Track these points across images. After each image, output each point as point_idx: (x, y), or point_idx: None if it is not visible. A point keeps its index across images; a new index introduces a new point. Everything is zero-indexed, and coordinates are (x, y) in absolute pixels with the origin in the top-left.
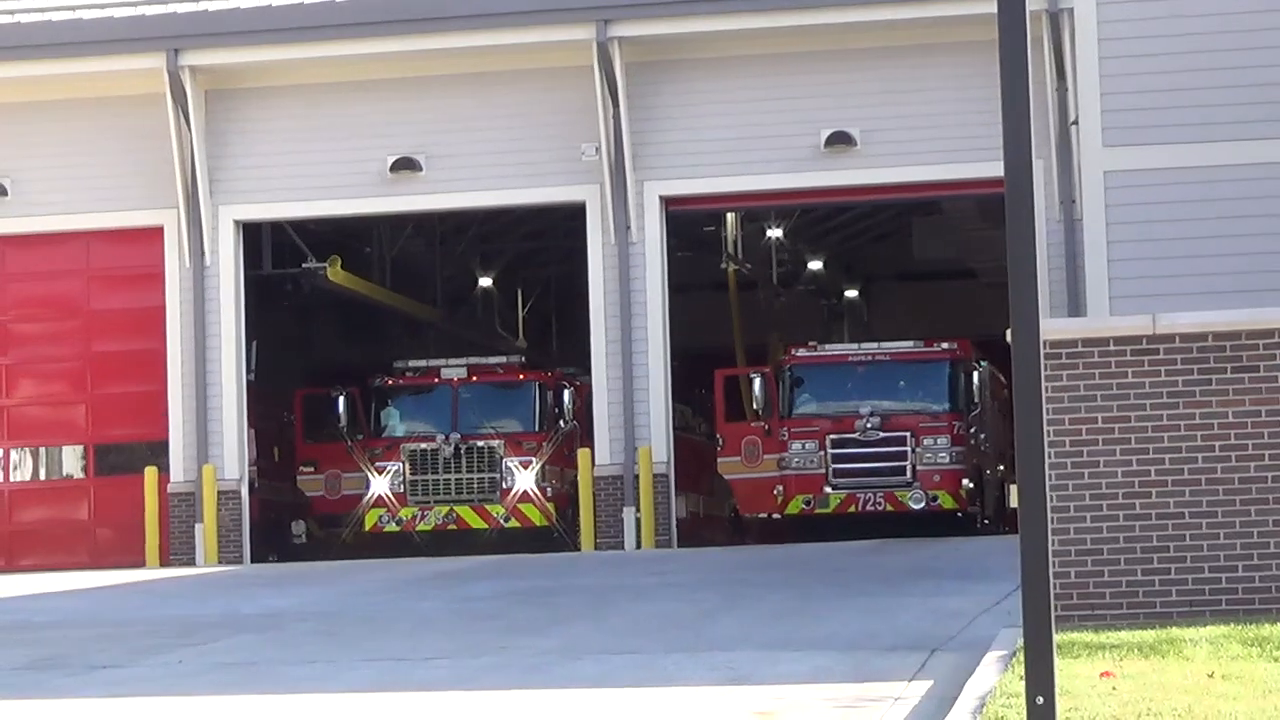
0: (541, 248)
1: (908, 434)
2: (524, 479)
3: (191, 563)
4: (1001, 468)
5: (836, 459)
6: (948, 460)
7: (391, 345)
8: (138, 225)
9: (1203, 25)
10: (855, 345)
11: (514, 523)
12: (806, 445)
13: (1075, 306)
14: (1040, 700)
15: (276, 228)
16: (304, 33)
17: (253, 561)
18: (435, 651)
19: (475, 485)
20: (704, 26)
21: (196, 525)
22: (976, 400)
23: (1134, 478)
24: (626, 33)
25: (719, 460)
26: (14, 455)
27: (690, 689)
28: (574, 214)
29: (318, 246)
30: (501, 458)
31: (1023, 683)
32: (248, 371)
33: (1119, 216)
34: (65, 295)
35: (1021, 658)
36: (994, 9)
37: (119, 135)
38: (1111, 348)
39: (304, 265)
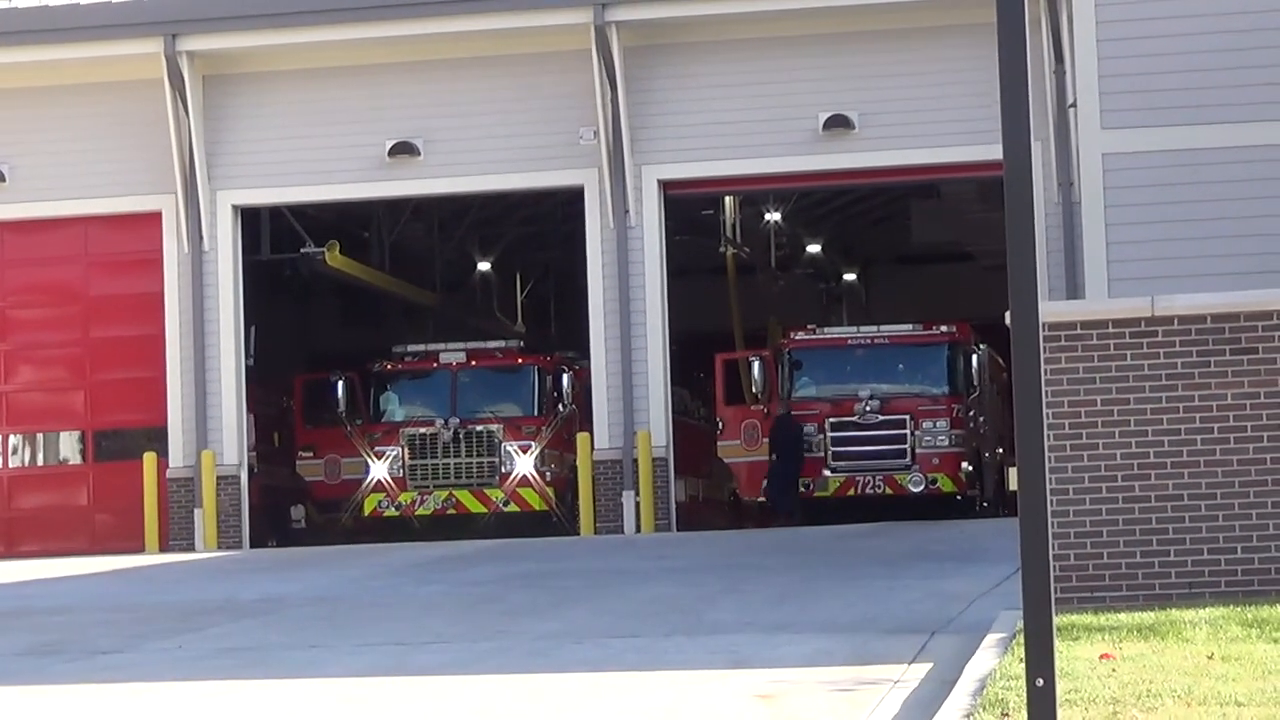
0: (540, 232)
1: (907, 417)
2: (523, 463)
3: (191, 548)
4: (1001, 450)
5: (836, 442)
6: (947, 443)
7: (390, 330)
8: (136, 211)
9: (1201, 7)
10: (854, 329)
11: (513, 507)
12: (806, 428)
13: (1074, 289)
14: (1040, 682)
15: (275, 213)
16: (301, 17)
17: (252, 546)
18: (435, 636)
19: (474, 470)
20: (701, 10)
21: (196, 510)
22: (976, 383)
23: (1133, 460)
24: (624, 16)
25: (719, 444)
26: (13, 441)
27: (690, 672)
28: (572, 198)
29: (316, 231)
30: (500, 442)
31: (1023, 665)
32: (247, 357)
33: (1117, 199)
34: (64, 281)
35: (1021, 640)
36: None
37: (117, 121)
38: (1110, 330)
39: (302, 250)
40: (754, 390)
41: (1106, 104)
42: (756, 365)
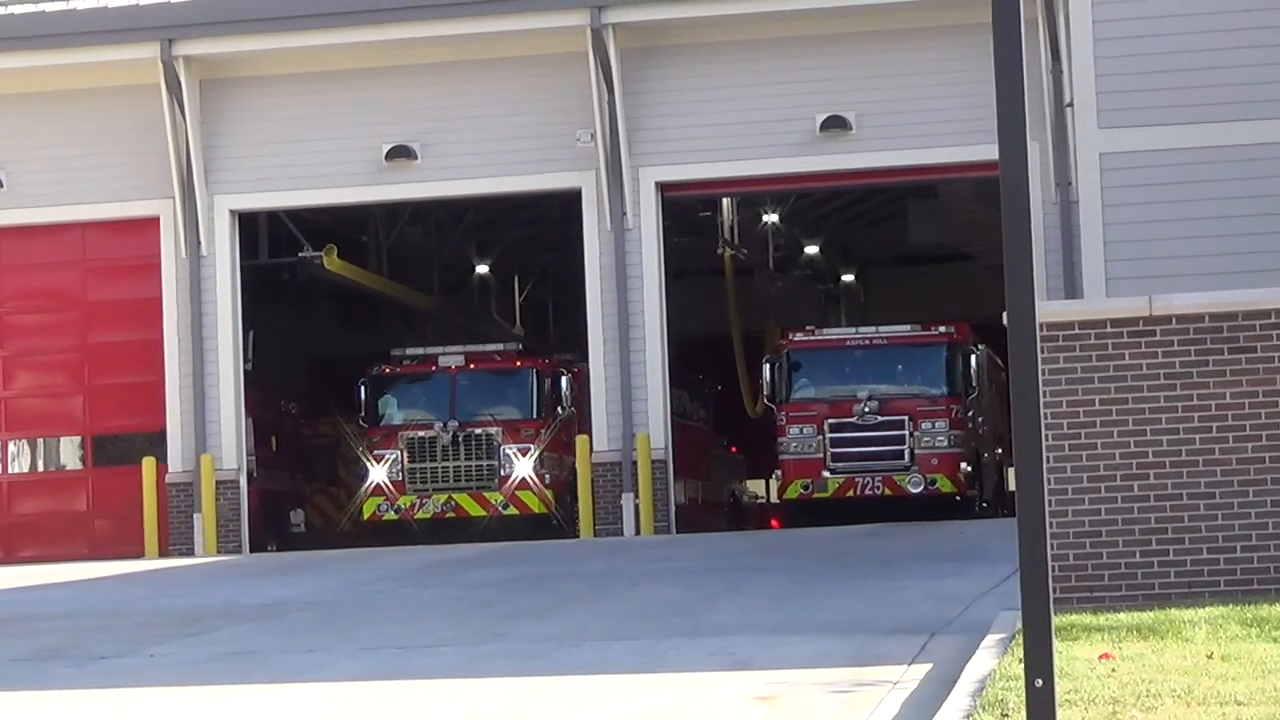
0: (538, 234)
1: (905, 418)
2: (522, 466)
3: (190, 553)
4: (1000, 451)
5: (835, 443)
6: (946, 444)
7: (388, 333)
8: (133, 216)
9: (1198, 5)
10: (852, 329)
11: (512, 510)
12: (804, 429)
13: (1072, 288)
14: (1039, 683)
15: (272, 217)
16: (298, 21)
17: (251, 551)
18: (435, 639)
19: (473, 473)
20: (698, 11)
21: (195, 515)
22: (974, 384)
23: (1132, 459)
24: (621, 19)
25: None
26: (12, 447)
27: (690, 674)
28: (570, 201)
29: (314, 235)
30: (500, 445)
31: (1022, 665)
32: (245, 361)
33: (1115, 198)
34: (62, 286)
35: (1020, 640)
36: None
37: (114, 126)
38: (1108, 329)
39: (300, 254)
40: (764, 393)
41: (1104, 103)
42: (767, 369)
